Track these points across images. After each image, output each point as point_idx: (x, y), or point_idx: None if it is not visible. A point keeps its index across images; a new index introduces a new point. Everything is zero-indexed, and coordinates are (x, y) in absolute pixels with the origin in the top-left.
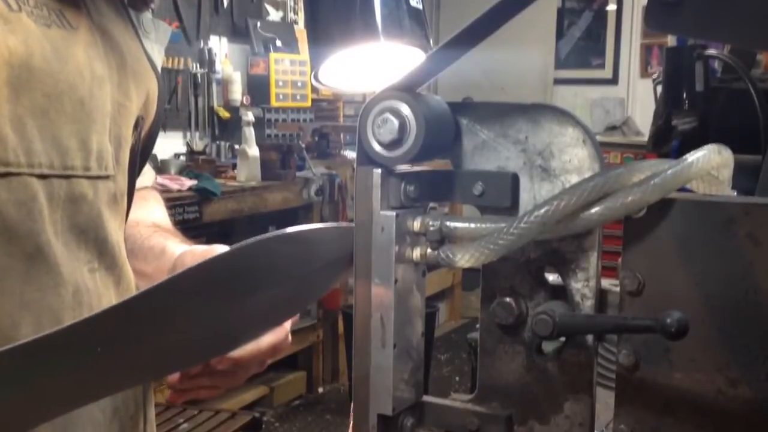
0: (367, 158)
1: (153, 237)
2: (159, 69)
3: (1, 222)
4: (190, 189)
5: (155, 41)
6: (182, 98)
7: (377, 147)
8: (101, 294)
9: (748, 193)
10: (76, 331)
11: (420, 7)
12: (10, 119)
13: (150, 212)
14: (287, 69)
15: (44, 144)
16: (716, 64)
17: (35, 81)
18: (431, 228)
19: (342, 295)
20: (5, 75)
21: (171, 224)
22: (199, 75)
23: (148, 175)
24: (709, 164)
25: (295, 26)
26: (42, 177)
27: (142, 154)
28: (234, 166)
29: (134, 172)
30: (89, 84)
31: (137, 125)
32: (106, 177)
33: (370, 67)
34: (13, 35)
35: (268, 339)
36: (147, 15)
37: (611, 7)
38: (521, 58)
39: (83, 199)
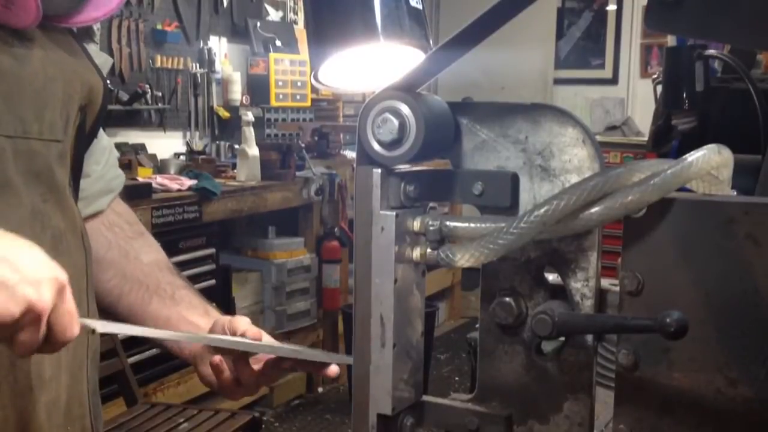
0: (367, 158)
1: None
2: (105, 73)
3: None
4: (189, 189)
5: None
6: (182, 98)
7: (377, 147)
8: (51, 215)
9: (748, 193)
10: None
11: (420, 7)
12: None
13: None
14: (287, 69)
15: (12, 117)
16: (716, 64)
17: (3, 78)
18: (431, 228)
19: (342, 295)
20: None
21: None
22: (198, 75)
23: (118, 179)
24: (709, 164)
25: (295, 26)
26: (9, 137)
27: (93, 129)
28: (234, 166)
29: (82, 138)
30: (43, 81)
31: (81, 109)
32: (56, 140)
33: (370, 67)
34: None
35: None
36: (91, 46)
37: (611, 7)
38: (521, 58)
39: (38, 154)
